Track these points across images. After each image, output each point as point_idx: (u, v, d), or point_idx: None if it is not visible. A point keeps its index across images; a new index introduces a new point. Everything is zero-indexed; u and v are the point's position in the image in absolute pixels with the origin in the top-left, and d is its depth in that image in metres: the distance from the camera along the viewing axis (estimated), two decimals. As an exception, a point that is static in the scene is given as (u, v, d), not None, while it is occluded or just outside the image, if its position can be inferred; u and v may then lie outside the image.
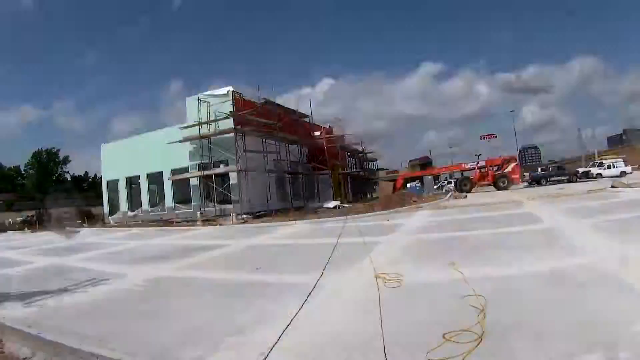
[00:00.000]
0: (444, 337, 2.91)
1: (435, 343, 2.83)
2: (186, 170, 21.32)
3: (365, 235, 9.14)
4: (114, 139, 27.22)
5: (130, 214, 24.45)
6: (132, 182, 24.99)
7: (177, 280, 6.20)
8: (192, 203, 21.23)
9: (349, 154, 29.13)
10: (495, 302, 3.57)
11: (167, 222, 20.09)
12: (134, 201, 24.73)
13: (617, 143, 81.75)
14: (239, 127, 19.65)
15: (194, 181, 21.19)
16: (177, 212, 21.68)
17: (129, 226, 20.90)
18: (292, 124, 23.08)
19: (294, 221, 16.11)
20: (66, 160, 51.57)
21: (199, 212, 19.83)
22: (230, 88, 20.56)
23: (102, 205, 27.36)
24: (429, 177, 31.07)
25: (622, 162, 32.36)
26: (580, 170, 32.33)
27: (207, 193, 20.71)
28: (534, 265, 4.93)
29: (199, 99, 20.84)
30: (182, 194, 22.02)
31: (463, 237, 8.15)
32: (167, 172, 22.24)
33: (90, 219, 26.88)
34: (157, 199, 23.40)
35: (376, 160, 33.44)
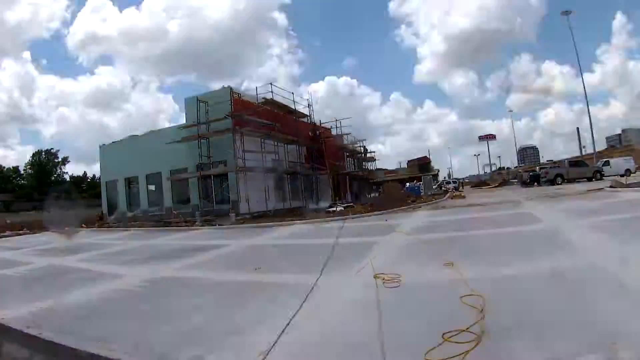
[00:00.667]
0: (443, 337, 2.92)
1: (434, 343, 2.84)
2: (185, 170, 21.32)
3: (364, 235, 9.21)
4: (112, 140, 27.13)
5: (129, 214, 24.42)
6: (131, 183, 24.98)
7: (176, 281, 6.22)
8: (191, 203, 21.22)
9: (347, 154, 29.18)
10: (494, 302, 3.58)
11: (166, 223, 20.10)
12: (132, 202, 24.72)
13: (616, 143, 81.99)
14: (237, 127, 19.66)
15: (192, 181, 21.17)
16: (175, 212, 21.65)
17: (128, 227, 20.91)
18: (291, 124, 23.13)
19: (293, 221, 16.16)
20: (65, 161, 51.68)
21: (197, 213, 19.81)
22: (229, 88, 20.61)
23: (101, 206, 27.39)
24: (428, 177, 31.12)
25: (632, 160, 30.69)
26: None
27: (205, 193, 20.71)
28: (533, 265, 4.94)
29: (197, 99, 20.87)
30: (181, 195, 22.02)
31: (461, 237, 8.17)
32: (165, 172, 22.24)
33: (89, 219, 26.83)
34: (156, 199, 23.38)
35: (375, 160, 33.54)
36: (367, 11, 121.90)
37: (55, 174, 49.87)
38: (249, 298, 4.62)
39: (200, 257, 8.44)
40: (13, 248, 13.97)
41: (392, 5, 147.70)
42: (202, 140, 20.46)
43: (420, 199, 19.93)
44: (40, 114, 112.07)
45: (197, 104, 20.69)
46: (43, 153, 48.80)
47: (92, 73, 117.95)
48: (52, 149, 51.09)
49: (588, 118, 35.12)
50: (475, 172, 69.59)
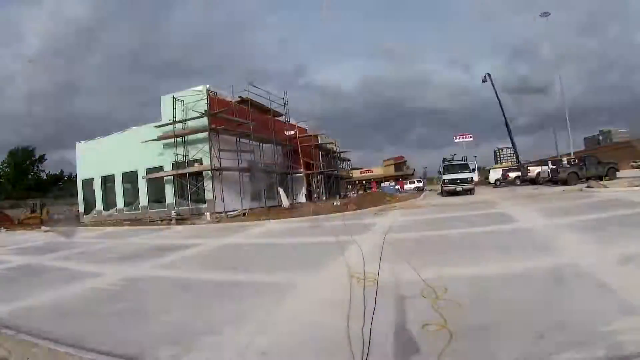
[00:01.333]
0: (416, 334, 3.01)
1: (409, 341, 2.92)
2: (161, 169, 21.22)
3: (339, 234, 9.14)
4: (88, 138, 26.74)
5: (105, 213, 24.20)
6: (107, 181, 24.72)
7: (152, 280, 6.20)
8: (167, 202, 21.14)
9: (322, 153, 29.35)
10: (469, 302, 3.66)
11: (142, 221, 20.00)
12: (109, 200, 24.46)
13: (594, 143, 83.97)
14: (213, 126, 19.65)
15: (168, 180, 21.08)
16: (151, 211, 21.56)
17: (104, 225, 20.74)
18: (266, 123, 23.20)
19: (267, 220, 16.27)
20: (42, 159, 50.68)
21: (173, 211, 19.76)
22: (206, 86, 20.58)
23: (78, 204, 27.04)
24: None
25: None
26: None
27: (181, 192, 20.65)
28: (508, 264, 5.00)
29: (173, 97, 20.77)
30: (157, 193, 21.89)
31: (437, 236, 8.19)
32: (141, 171, 22.11)
33: (65, 218, 26.55)
34: (132, 198, 23.21)
35: (349, 160, 33.76)
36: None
37: (32, 172, 48.96)
38: (225, 297, 4.63)
39: (176, 256, 8.39)
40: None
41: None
42: (178, 139, 20.40)
43: (395, 198, 20.19)
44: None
45: (174, 102, 20.63)
46: (20, 151, 47.89)
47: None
48: (28, 146, 50.06)
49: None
50: None
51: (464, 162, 24.62)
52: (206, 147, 19.58)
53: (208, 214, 18.73)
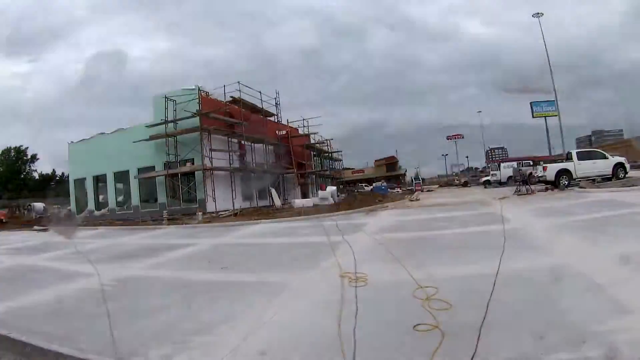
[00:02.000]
0: (408, 335, 3.03)
1: (399, 342, 2.94)
2: (152, 169, 21.20)
3: (330, 234, 9.15)
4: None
5: (97, 213, 24.13)
6: (99, 181, 24.67)
7: (144, 280, 6.22)
8: (158, 202, 21.13)
9: (314, 153, 29.49)
10: (460, 301, 3.68)
11: (134, 221, 19.97)
12: (100, 200, 24.43)
13: (586, 144, 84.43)
14: (205, 125, 19.68)
15: (160, 180, 21.07)
16: (143, 211, 21.52)
17: (96, 225, 20.69)
18: (258, 123, 23.25)
19: (259, 220, 16.30)
20: (34, 158, 50.45)
21: (164, 211, 19.75)
22: (197, 86, 20.61)
23: (70, 204, 26.95)
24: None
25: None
26: None
27: (173, 192, 20.65)
28: (500, 264, 5.00)
29: (165, 97, 20.77)
30: (149, 193, 21.89)
31: (427, 236, 8.24)
32: (133, 170, 22.07)
33: (55, 218, 26.38)
34: (123, 197, 23.18)
35: (341, 160, 33.90)
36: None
37: (24, 171, 48.71)
38: (216, 297, 4.65)
39: (168, 256, 8.41)
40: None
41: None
42: (169, 139, 20.39)
43: (386, 199, 20.31)
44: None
45: (165, 102, 20.61)
46: (12, 150, 47.62)
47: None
48: (21, 146, 49.82)
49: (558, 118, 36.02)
50: (443, 172, 67.45)
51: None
52: (198, 146, 19.59)
53: (200, 214, 18.72)
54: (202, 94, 20.29)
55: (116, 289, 5.65)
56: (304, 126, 25.70)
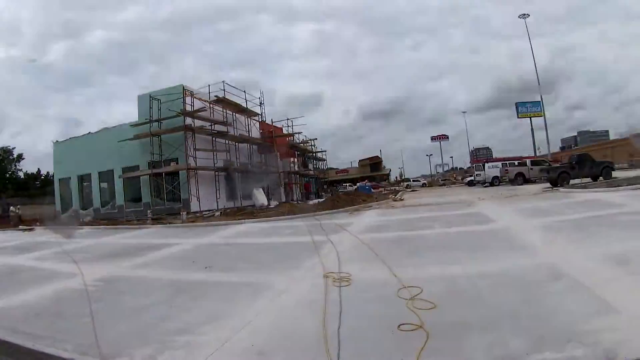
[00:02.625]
0: (392, 334, 3.07)
1: (384, 341, 2.96)
2: (137, 168, 21.12)
3: (314, 234, 9.18)
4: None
5: (82, 212, 23.98)
6: (84, 181, 24.53)
7: (127, 280, 6.19)
8: (143, 202, 21.06)
9: (298, 153, 29.56)
10: (444, 301, 3.71)
11: (118, 221, 19.89)
12: (85, 199, 24.29)
13: (571, 145, 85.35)
14: (189, 124, 19.66)
15: (144, 179, 21.01)
16: (128, 210, 21.45)
17: (81, 225, 20.57)
18: (242, 123, 23.26)
19: (243, 220, 16.33)
20: (20, 158, 50.03)
21: (149, 211, 19.72)
22: (182, 85, 20.55)
23: (54, 204, 26.73)
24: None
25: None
26: None
27: (157, 191, 20.60)
28: (483, 264, 5.07)
29: (150, 96, 20.70)
30: (133, 193, 21.78)
31: (411, 236, 8.24)
32: (118, 170, 21.97)
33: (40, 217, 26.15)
34: (108, 197, 23.07)
35: (324, 160, 34.03)
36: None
37: (10, 171, 48.19)
38: (199, 297, 4.65)
39: (151, 255, 8.39)
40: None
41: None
42: (154, 138, 20.31)
43: (371, 198, 20.41)
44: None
45: (150, 101, 20.56)
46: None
47: None
48: (8, 146, 49.38)
49: (543, 119, 36.59)
50: (427, 172, 67.29)
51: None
52: (182, 146, 19.56)
53: (184, 213, 18.71)
54: (187, 93, 20.21)
55: (100, 288, 5.60)
56: (288, 126, 25.69)
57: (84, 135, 25.83)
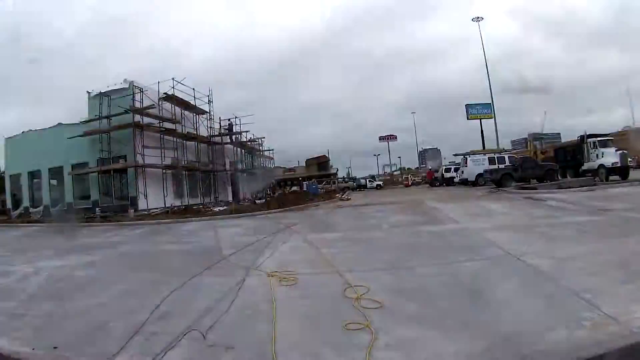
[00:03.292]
0: (339, 333, 3.17)
1: (329, 339, 3.05)
2: (86, 165, 20.90)
3: (259, 234, 9.29)
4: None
5: (32, 209, 23.57)
6: (34, 177, 24.07)
7: (73, 279, 6.15)
8: (92, 199, 20.87)
9: (246, 151, 29.74)
10: (391, 299, 3.86)
11: (67, 218, 19.64)
12: (35, 196, 23.85)
13: (523, 146, 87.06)
14: (138, 122, 19.54)
15: (93, 177, 20.80)
16: (77, 208, 21.19)
17: (30, 222, 20.26)
18: (191, 120, 23.35)
19: (190, 218, 16.40)
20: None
21: (97, 209, 19.59)
22: (131, 82, 20.36)
23: (5, 200, 26.14)
24: None
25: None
26: None
27: (106, 189, 20.45)
28: (432, 263, 5.31)
29: (100, 92, 20.47)
30: (83, 190, 21.54)
31: (359, 235, 8.51)
32: (67, 167, 21.67)
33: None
34: (58, 194, 22.71)
35: (273, 158, 34.19)
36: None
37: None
38: (151, 297, 4.56)
39: (99, 254, 8.41)
40: None
41: None
42: (103, 135, 20.09)
43: (318, 198, 20.75)
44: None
45: (100, 98, 20.32)
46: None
47: None
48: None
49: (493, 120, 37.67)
50: (375, 172, 68.27)
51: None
52: (130, 143, 19.42)
53: (132, 211, 18.67)
54: (136, 90, 20.04)
55: (45, 286, 5.63)
56: (235, 124, 25.70)
57: (36, 130, 25.27)
